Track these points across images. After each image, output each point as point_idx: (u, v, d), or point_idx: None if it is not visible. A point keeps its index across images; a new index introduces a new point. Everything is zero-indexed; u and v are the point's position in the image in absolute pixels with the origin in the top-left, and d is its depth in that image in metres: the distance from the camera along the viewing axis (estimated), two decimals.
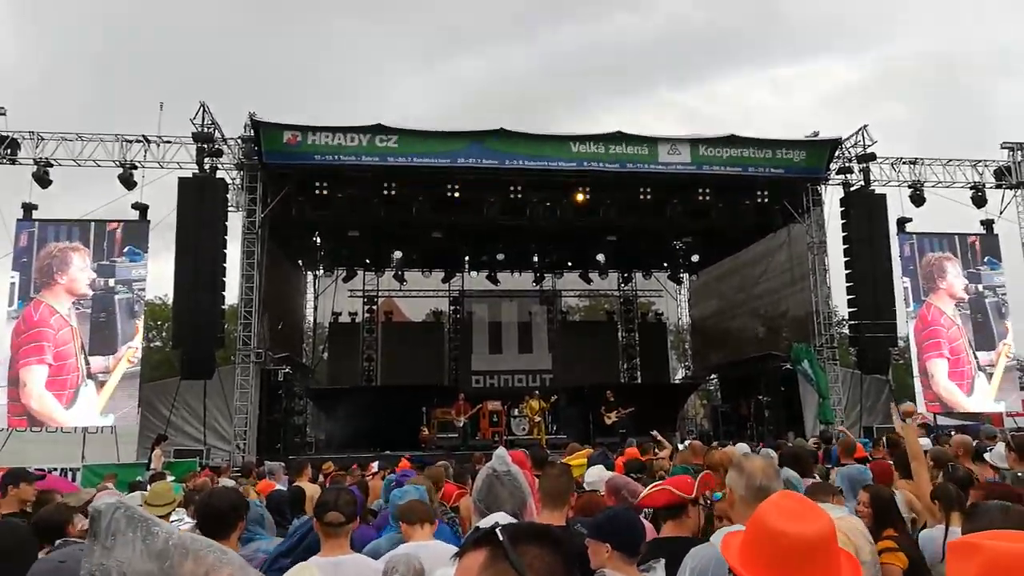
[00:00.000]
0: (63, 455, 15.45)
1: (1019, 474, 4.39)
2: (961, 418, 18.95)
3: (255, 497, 6.06)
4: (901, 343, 22.68)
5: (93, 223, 16.90)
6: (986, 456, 5.47)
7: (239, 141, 17.43)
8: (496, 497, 2.91)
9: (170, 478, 9.05)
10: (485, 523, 2.13)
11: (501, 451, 3.14)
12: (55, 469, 13.34)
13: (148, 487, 6.89)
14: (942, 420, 19.03)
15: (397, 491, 4.53)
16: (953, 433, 11.66)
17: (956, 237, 20.05)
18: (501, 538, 1.36)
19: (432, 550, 3.41)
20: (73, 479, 12.98)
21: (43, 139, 17.02)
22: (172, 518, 5.05)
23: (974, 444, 6.60)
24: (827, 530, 1.55)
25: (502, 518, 2.42)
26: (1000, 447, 5.87)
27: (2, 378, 15.97)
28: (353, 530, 3.49)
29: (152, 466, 13.01)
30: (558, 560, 1.37)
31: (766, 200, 18.53)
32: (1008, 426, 16.98)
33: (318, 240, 22.06)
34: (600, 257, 23.48)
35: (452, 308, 27.40)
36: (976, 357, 19.23)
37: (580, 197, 17.88)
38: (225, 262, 16.74)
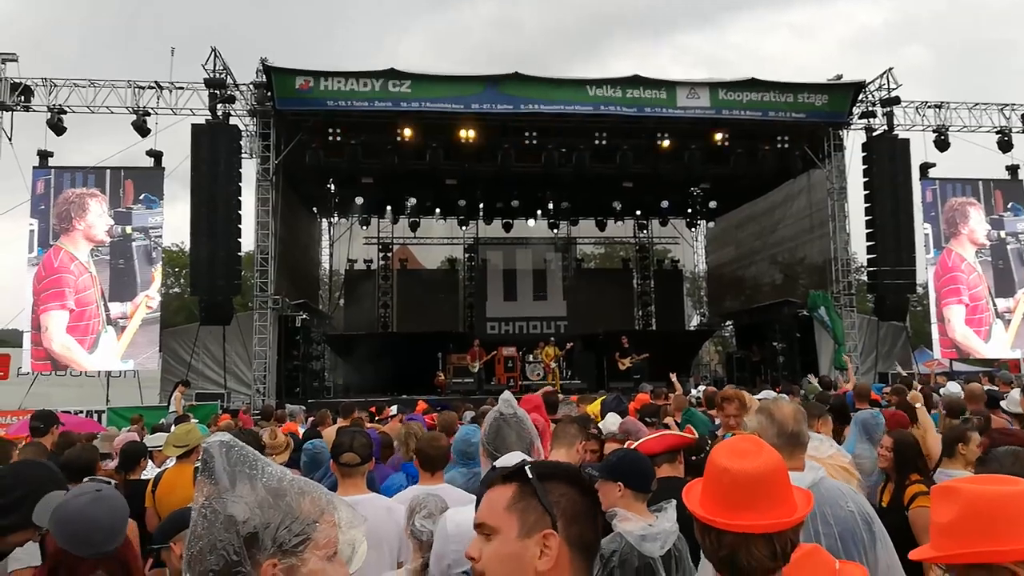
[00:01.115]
0: (88, 398, 15.81)
1: None
2: (978, 365, 18.91)
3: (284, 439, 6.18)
4: (920, 290, 22.52)
5: (108, 170, 16.93)
6: (1002, 403, 5.47)
7: (251, 87, 17.26)
8: (504, 439, 2.95)
9: (194, 421, 9.24)
10: (505, 461, 2.16)
11: (507, 395, 3.17)
12: (81, 412, 13.67)
13: (172, 429, 7.05)
14: (958, 366, 19.00)
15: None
16: (981, 377, 11.62)
17: (980, 183, 19.66)
18: (530, 475, 1.40)
19: (445, 492, 3.48)
20: (99, 421, 13.30)
21: (56, 86, 16.93)
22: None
23: (986, 391, 6.60)
24: (769, 466, 1.59)
25: (517, 457, 2.45)
26: (1015, 393, 5.86)
27: (25, 323, 16.27)
28: (370, 471, 3.56)
29: (172, 408, 13.30)
30: (586, 499, 1.41)
31: (786, 145, 18.17)
32: None
33: (332, 187, 22.00)
34: (616, 204, 23.28)
35: (467, 255, 27.40)
36: (995, 304, 19.05)
37: (596, 142, 17.62)
38: (240, 209, 16.79)
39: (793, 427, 2.57)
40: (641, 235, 28.31)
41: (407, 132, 17.04)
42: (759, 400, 4.17)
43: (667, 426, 6.06)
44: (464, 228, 26.12)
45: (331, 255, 26.45)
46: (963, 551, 1.44)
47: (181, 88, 17.19)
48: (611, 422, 5.39)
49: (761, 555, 1.54)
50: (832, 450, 3.24)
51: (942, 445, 4.30)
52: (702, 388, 10.88)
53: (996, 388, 8.03)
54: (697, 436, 4.54)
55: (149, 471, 5.39)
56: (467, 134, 17.19)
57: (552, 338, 20.54)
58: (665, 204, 23.08)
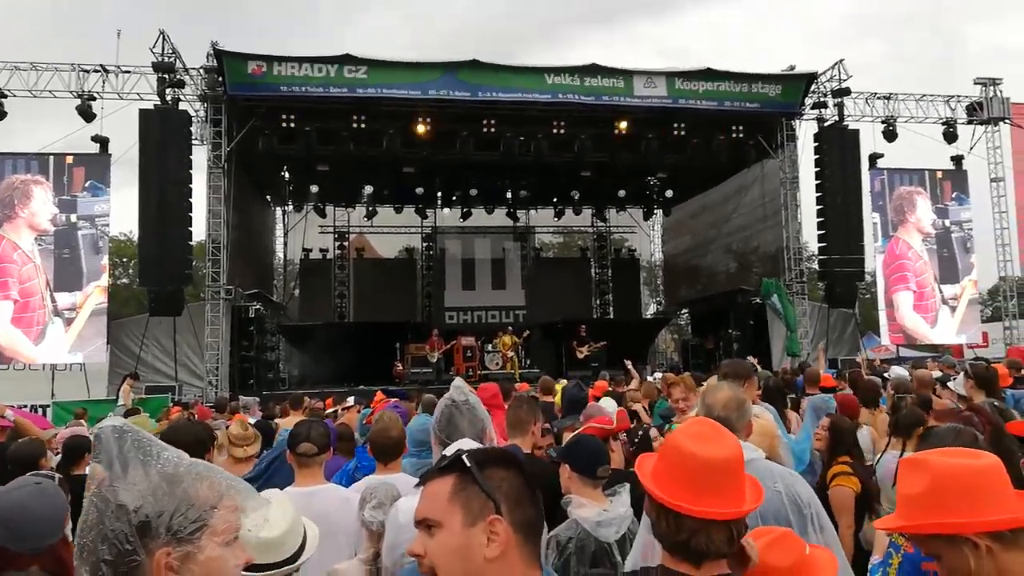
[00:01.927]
0: (33, 392, 15.30)
1: (994, 403, 4.53)
2: (923, 350, 19.50)
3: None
4: (868, 278, 23.14)
5: (52, 156, 16.36)
6: (950, 384, 5.64)
7: (201, 72, 16.84)
8: (456, 426, 2.95)
9: (144, 414, 9.02)
10: (449, 451, 2.14)
11: (459, 381, 3.17)
12: (25, 406, 13.19)
13: None
14: (904, 352, 19.59)
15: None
16: (929, 362, 11.99)
17: (926, 173, 20.24)
18: (468, 464, 1.38)
19: (401, 481, 3.43)
20: (44, 415, 12.89)
21: None
22: None
23: (934, 375, 6.81)
24: (734, 454, 1.62)
25: (467, 444, 2.43)
26: (960, 377, 6.04)
27: None
28: (326, 461, 3.50)
29: (121, 402, 12.97)
30: (523, 482, 1.40)
31: (741, 135, 18.46)
32: (968, 357, 17.51)
33: (286, 175, 21.61)
34: (574, 193, 23.35)
35: (425, 244, 27.22)
36: (941, 291, 19.65)
37: (554, 131, 17.62)
38: (191, 197, 16.41)
39: (720, 412, 2.58)
40: (599, 224, 28.47)
41: (363, 119, 16.81)
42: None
43: (635, 412, 6.12)
44: (422, 217, 25.91)
45: (286, 244, 26.00)
46: (928, 521, 1.47)
47: (128, 72, 16.67)
48: (610, 407, 5.40)
49: (720, 540, 1.55)
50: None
51: (898, 427, 4.42)
52: (659, 375, 11.02)
53: (943, 372, 8.27)
54: (625, 424, 4.65)
55: None
56: (425, 121, 17.03)
57: (511, 327, 20.56)
58: (622, 193, 23.26)
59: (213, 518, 1.25)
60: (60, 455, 5.25)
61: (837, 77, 18.52)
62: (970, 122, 20.27)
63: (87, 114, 16.34)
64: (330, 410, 8.09)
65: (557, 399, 6.95)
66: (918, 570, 2.12)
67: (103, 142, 16.54)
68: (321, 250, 26.38)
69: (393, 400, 7.19)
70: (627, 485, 2.89)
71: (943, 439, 2.52)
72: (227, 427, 5.71)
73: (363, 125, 16.85)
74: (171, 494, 1.23)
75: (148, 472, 1.23)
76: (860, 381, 7.37)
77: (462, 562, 1.32)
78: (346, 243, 26.86)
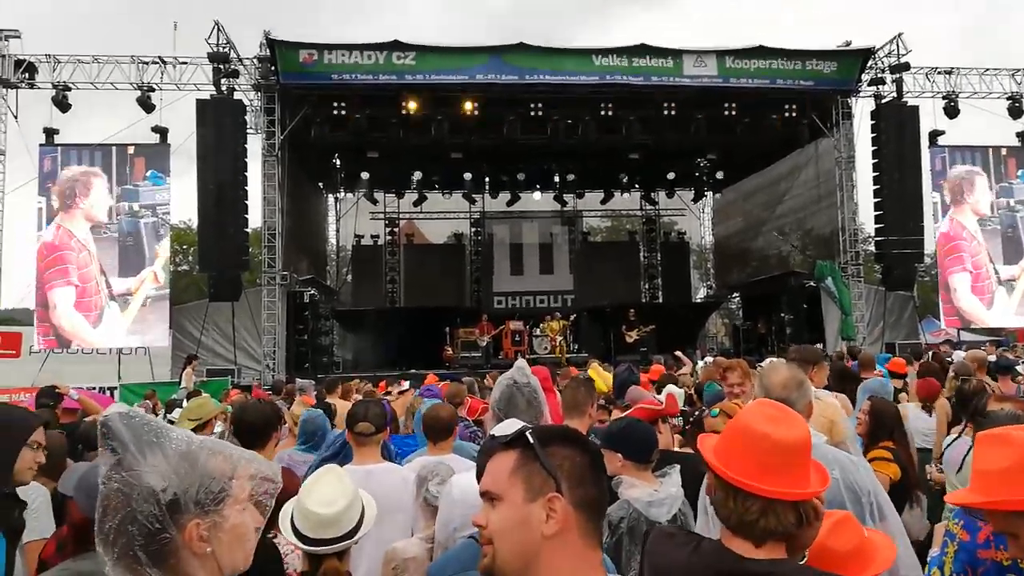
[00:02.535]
0: (100, 375, 15.94)
1: None
2: (983, 334, 18.87)
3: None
4: (928, 260, 22.42)
5: (114, 147, 16.92)
6: (1019, 368, 5.50)
7: (255, 61, 17.17)
8: (515, 406, 2.99)
9: (205, 395, 9.33)
10: (502, 428, 2.19)
11: (521, 362, 3.20)
12: (94, 388, 13.79)
13: (184, 404, 7.14)
14: (964, 335, 18.98)
15: (422, 406, 4.66)
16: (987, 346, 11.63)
17: (989, 150, 19.46)
18: (531, 440, 1.40)
19: (454, 461, 3.51)
20: (112, 397, 13.44)
21: (59, 62, 16.87)
22: (216, 428, 5.26)
23: (991, 358, 6.63)
24: (805, 437, 1.61)
25: (515, 425, 2.48)
26: None
27: (31, 302, 16.38)
28: (383, 440, 3.61)
29: (183, 385, 13.42)
30: (586, 461, 1.41)
31: (794, 114, 18.00)
32: None
33: (337, 162, 21.95)
34: (622, 176, 23.14)
35: (473, 230, 27.36)
36: (997, 272, 18.93)
37: (602, 113, 17.48)
38: (246, 185, 16.79)
39: (780, 393, 2.57)
40: (647, 207, 28.16)
41: (412, 105, 16.94)
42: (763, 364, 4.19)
43: (691, 396, 6.11)
44: (470, 203, 26.04)
45: (338, 231, 26.46)
46: (1014, 497, 1.43)
47: (185, 63, 17.10)
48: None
49: (788, 521, 1.55)
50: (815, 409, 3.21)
51: (963, 407, 4.34)
52: (708, 360, 10.92)
53: (1011, 357, 7.99)
54: (678, 407, 4.60)
55: None
56: (472, 106, 17.07)
57: (559, 312, 20.57)
58: (671, 175, 22.97)
59: (232, 487, 1.34)
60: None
61: (896, 52, 17.89)
62: None
63: (147, 105, 16.83)
64: (382, 393, 8.26)
65: (599, 384, 6.97)
66: (975, 558, 2.09)
67: (163, 132, 17.03)
68: (372, 236, 26.75)
69: (426, 384, 7.28)
70: (677, 466, 2.90)
71: (1001, 424, 2.49)
72: (289, 408, 5.91)
73: (412, 111, 16.99)
74: (192, 470, 1.30)
75: (166, 452, 1.29)
76: (925, 365, 7.21)
77: (519, 536, 1.34)
78: (396, 229, 27.17)
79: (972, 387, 4.69)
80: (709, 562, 1.57)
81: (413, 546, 3.01)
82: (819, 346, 15.13)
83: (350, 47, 16.50)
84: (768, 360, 8.36)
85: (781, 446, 1.57)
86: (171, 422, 5.94)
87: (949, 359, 8.74)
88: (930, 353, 9.84)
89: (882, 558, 1.74)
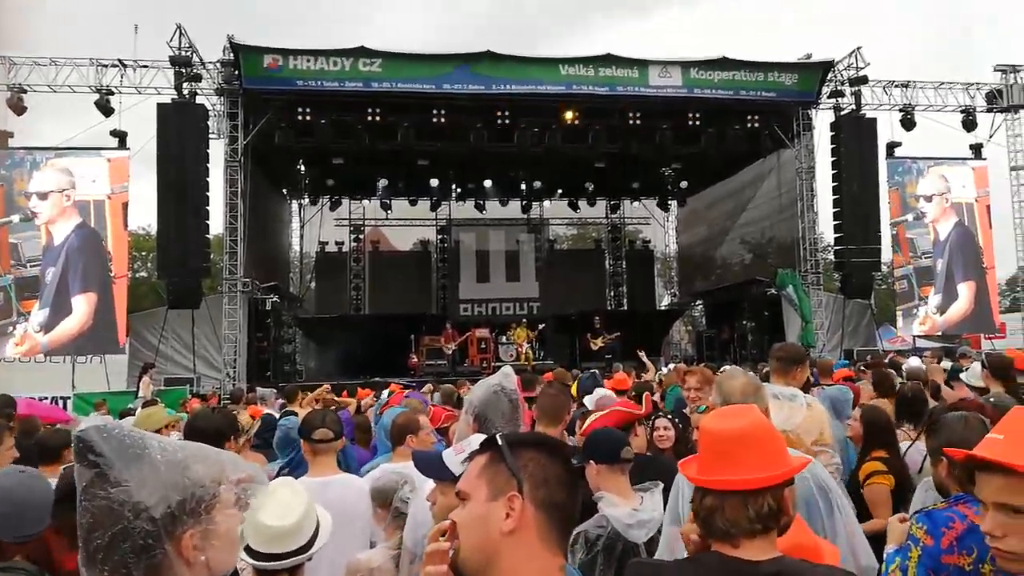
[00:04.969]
0: (53, 384, 15.52)
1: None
2: (940, 341, 19.32)
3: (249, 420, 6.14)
4: (884, 268, 22.93)
5: (73, 151, 16.54)
6: (962, 376, 5.61)
7: (218, 65, 16.94)
8: (495, 409, 2.92)
9: (160, 405, 9.13)
10: (471, 442, 2.16)
11: (508, 369, 3.14)
12: (45, 398, 13.42)
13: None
14: (921, 343, 19.42)
15: (386, 413, 4.62)
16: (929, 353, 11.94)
17: (945, 161, 19.99)
18: (500, 442, 1.47)
19: (412, 469, 3.46)
20: (64, 407, 13.09)
21: (15, 64, 16.46)
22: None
23: (950, 364, 6.79)
24: (749, 426, 1.64)
25: (476, 440, 2.44)
26: (976, 367, 6.01)
27: None
28: (340, 449, 3.55)
29: (140, 394, 13.13)
30: (555, 465, 1.45)
31: (756, 125, 18.30)
32: (985, 348, 17.35)
33: (302, 168, 21.71)
34: (588, 185, 23.27)
35: (439, 237, 27.28)
36: (956, 281, 19.43)
37: (569, 122, 17.57)
38: (208, 190, 16.53)
39: (739, 399, 2.61)
40: (613, 216, 28.39)
41: (378, 112, 16.84)
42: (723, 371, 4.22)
43: (655, 401, 6.12)
44: (436, 210, 25.97)
45: (302, 237, 26.12)
46: None
47: (146, 66, 16.80)
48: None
49: (735, 516, 1.56)
50: (799, 416, 3.26)
51: (899, 409, 4.42)
52: (671, 366, 11.02)
53: (956, 364, 8.25)
54: (649, 409, 4.56)
55: None
56: (439, 113, 17.03)
57: (525, 319, 20.59)
58: (636, 184, 23.17)
59: (221, 492, 1.34)
60: None
61: (854, 65, 18.30)
62: (990, 110, 19.99)
63: (105, 109, 16.51)
64: (365, 399, 8.11)
65: (573, 390, 6.98)
66: (938, 564, 2.11)
67: (122, 136, 16.71)
68: (337, 243, 26.51)
69: (408, 390, 7.24)
70: (660, 484, 2.86)
71: (952, 426, 2.54)
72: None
73: (378, 118, 16.89)
74: (183, 480, 1.29)
75: (153, 464, 1.27)
76: (877, 371, 7.34)
77: (480, 532, 1.39)
78: (361, 236, 26.98)
79: (910, 390, 4.77)
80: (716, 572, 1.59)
81: (378, 556, 2.96)
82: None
83: (316, 53, 16.36)
84: (723, 368, 8.49)
85: (721, 437, 1.61)
86: None
87: (902, 367, 8.95)
88: (887, 360, 10.05)
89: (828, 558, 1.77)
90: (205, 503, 1.30)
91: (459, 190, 24.19)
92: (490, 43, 16.70)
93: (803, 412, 3.49)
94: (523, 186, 23.74)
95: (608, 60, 17.13)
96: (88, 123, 16.63)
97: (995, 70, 19.98)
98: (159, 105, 16.21)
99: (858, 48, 18.28)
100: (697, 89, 17.49)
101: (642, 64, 17.32)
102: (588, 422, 3.51)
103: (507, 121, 17.27)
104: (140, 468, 1.25)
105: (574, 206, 25.78)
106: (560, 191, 25.15)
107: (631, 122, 17.73)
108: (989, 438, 1.52)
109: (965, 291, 19.31)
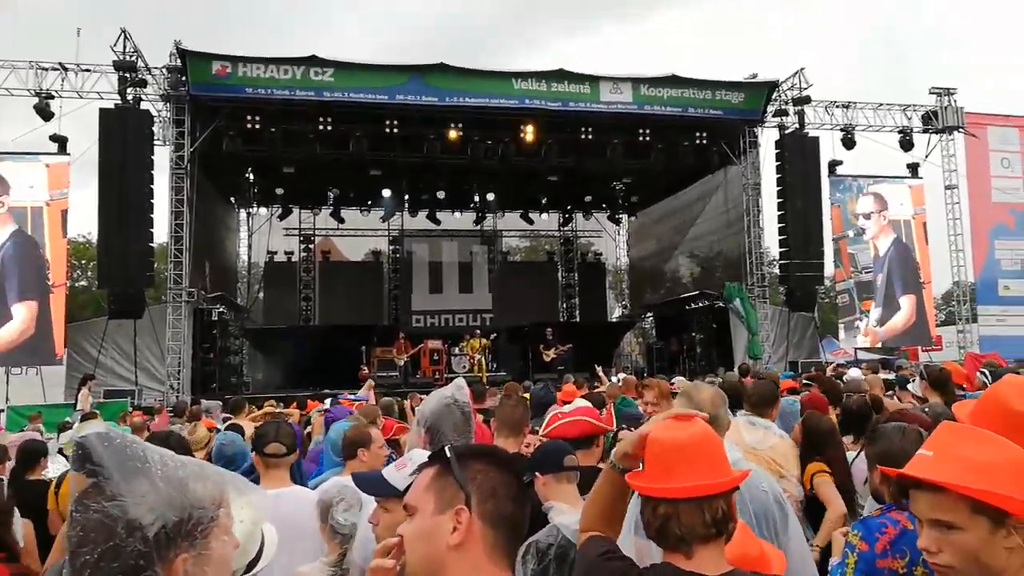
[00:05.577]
0: None
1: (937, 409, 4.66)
2: (880, 353, 19.94)
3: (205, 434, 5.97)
4: (827, 283, 23.60)
5: (8, 155, 15.95)
6: (909, 387, 5.81)
7: (164, 71, 16.58)
8: (447, 421, 2.89)
9: (99, 419, 8.84)
10: (413, 458, 2.15)
11: (461, 381, 3.12)
12: None
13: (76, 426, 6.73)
14: (862, 355, 20.01)
15: (333, 426, 4.54)
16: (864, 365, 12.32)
17: (883, 180, 20.71)
18: (448, 455, 1.45)
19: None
20: None
21: None
22: None
23: (892, 376, 7.02)
24: (696, 435, 1.66)
25: (418, 455, 2.42)
26: (917, 379, 6.24)
27: None
28: (293, 462, 3.49)
29: (79, 406, 12.69)
30: (504, 477, 1.44)
31: (704, 142, 18.72)
32: (922, 360, 17.98)
33: (251, 176, 21.37)
34: (541, 197, 23.43)
35: (392, 248, 27.10)
36: (896, 295, 20.11)
37: (522, 135, 17.71)
38: (153, 198, 16.12)
39: (710, 409, 2.66)
40: (565, 229, 28.64)
41: (330, 121, 16.69)
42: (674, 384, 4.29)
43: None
44: (389, 220, 25.80)
45: (250, 247, 25.64)
46: (978, 487, 1.40)
47: (88, 70, 16.32)
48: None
49: (691, 522, 1.57)
50: (773, 440, 3.36)
51: (844, 422, 4.55)
52: (621, 376, 11.12)
53: (903, 375, 8.54)
54: (613, 425, 4.54)
55: (54, 471, 5.12)
56: (392, 124, 16.96)
57: (478, 330, 20.57)
58: (588, 198, 23.43)
59: (220, 516, 1.26)
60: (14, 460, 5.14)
61: (798, 85, 18.88)
62: (926, 131, 20.79)
63: (45, 113, 15.96)
64: (316, 410, 7.95)
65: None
66: (873, 568, 2.19)
67: (62, 142, 16.18)
68: (286, 253, 26.09)
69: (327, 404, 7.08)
70: None
71: (890, 437, 2.62)
72: (191, 431, 5.65)
73: (329, 127, 16.73)
74: (183, 500, 1.21)
75: (153, 480, 1.20)
76: (823, 381, 7.53)
77: (426, 546, 1.38)
78: (312, 246, 26.61)
79: (855, 402, 4.89)
80: None
81: (317, 572, 2.92)
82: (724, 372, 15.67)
83: (266, 60, 16.15)
84: (678, 378, 8.61)
85: (669, 446, 1.64)
86: (59, 449, 5.59)
87: (843, 378, 9.22)
88: (829, 370, 10.36)
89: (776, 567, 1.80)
90: (202, 527, 1.22)
91: (412, 201, 24.08)
92: (441, 56, 16.79)
93: (775, 439, 3.62)
94: (476, 198, 23.78)
95: (561, 75, 17.33)
96: (26, 128, 16.09)
97: (930, 92, 20.82)
98: (102, 110, 15.78)
99: (801, 69, 18.88)
100: (647, 106, 17.81)
101: (594, 80, 17.58)
102: (554, 426, 3.47)
103: (461, 133, 17.30)
104: (139, 483, 1.18)
105: (527, 218, 25.93)
106: (513, 204, 25.27)
107: (583, 137, 17.97)
108: (919, 455, 1.53)
109: (907, 304, 19.96)
